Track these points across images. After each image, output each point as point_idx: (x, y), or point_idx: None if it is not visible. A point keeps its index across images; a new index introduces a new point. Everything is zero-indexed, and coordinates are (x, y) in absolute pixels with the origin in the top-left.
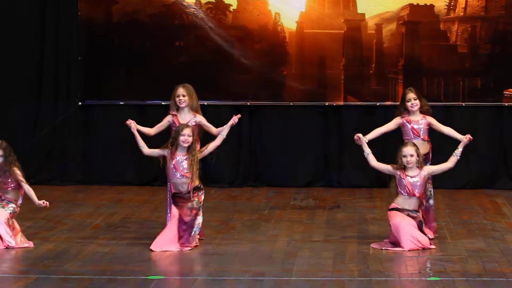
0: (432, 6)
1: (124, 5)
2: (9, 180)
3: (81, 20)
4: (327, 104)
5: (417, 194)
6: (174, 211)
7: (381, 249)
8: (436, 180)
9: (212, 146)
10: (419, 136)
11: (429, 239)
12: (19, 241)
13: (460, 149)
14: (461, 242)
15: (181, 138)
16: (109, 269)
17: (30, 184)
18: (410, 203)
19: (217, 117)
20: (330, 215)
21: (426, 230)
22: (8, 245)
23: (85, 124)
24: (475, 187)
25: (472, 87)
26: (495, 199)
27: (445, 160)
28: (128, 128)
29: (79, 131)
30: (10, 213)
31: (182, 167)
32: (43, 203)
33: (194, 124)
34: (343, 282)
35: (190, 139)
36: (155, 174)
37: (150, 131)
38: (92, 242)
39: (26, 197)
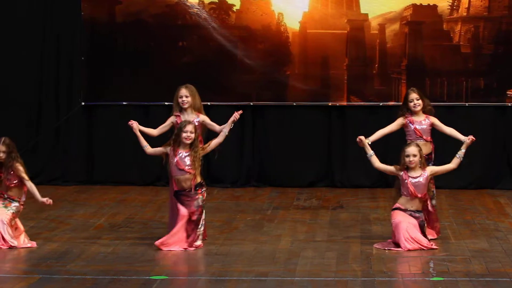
0: (435, 6)
1: (127, 5)
2: (12, 177)
3: (84, 20)
4: (330, 104)
5: (419, 195)
6: (184, 211)
7: (384, 249)
8: (439, 180)
9: (214, 143)
10: (421, 136)
11: (431, 239)
12: (22, 242)
13: (462, 150)
14: (464, 242)
15: (183, 134)
16: (112, 269)
17: (33, 184)
18: (413, 204)
19: (220, 117)
20: (333, 215)
21: (429, 230)
22: (11, 245)
23: (88, 125)
24: (478, 187)
25: (475, 87)
26: (498, 199)
27: (448, 161)
28: (131, 129)
29: (82, 131)
30: (13, 212)
31: (185, 163)
32: (47, 200)
33: (197, 123)
34: (346, 282)
35: (193, 135)
36: (158, 174)
37: (153, 132)
38: (95, 242)
39: (29, 196)
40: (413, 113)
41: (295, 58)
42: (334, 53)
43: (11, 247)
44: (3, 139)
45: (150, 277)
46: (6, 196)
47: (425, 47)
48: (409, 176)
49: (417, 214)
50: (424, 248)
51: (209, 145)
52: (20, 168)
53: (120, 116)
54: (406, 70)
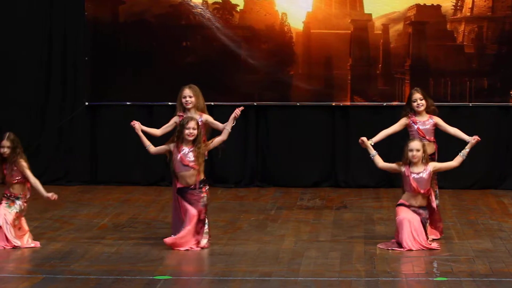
0: (439, 6)
1: (131, 5)
2: (15, 173)
3: (87, 20)
4: (334, 104)
5: (422, 191)
6: (194, 211)
7: (388, 249)
8: (443, 180)
9: (217, 140)
10: (424, 137)
11: (434, 239)
12: (26, 242)
13: (467, 150)
14: (468, 243)
15: (186, 131)
16: (116, 269)
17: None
18: (416, 200)
19: (223, 117)
20: (337, 215)
21: (432, 230)
22: (14, 245)
23: (92, 125)
24: (482, 187)
25: (479, 87)
26: (502, 199)
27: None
28: (134, 129)
29: (85, 131)
30: (16, 212)
31: (189, 159)
32: (52, 196)
33: (200, 123)
34: (350, 282)
35: (195, 132)
36: (162, 174)
37: (157, 132)
38: (98, 242)
39: (33, 197)
40: (417, 113)
41: (298, 58)
42: (337, 53)
43: (15, 247)
44: (7, 134)
45: (154, 277)
46: (9, 194)
47: (429, 47)
48: (412, 172)
49: (420, 211)
50: (424, 248)
51: (212, 142)
52: (24, 163)
53: (124, 116)
54: (410, 70)
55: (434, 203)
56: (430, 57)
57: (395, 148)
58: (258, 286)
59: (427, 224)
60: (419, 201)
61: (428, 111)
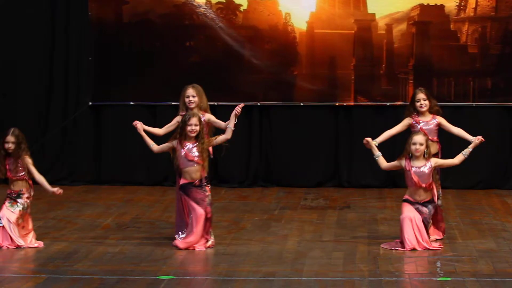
0: (442, 6)
1: (135, 5)
2: (19, 169)
3: (91, 20)
4: (337, 104)
5: (423, 185)
6: (201, 211)
7: (391, 249)
8: (447, 180)
9: (221, 138)
10: (427, 137)
11: (437, 239)
12: (29, 241)
13: (470, 149)
14: (472, 243)
15: (188, 128)
16: (120, 269)
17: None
18: (419, 194)
19: (227, 117)
20: (341, 215)
21: (435, 231)
22: (18, 245)
23: (95, 124)
24: (485, 187)
25: (482, 87)
26: (505, 199)
27: None
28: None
29: (89, 131)
30: (20, 210)
31: (193, 154)
32: (57, 190)
33: (203, 123)
34: (353, 282)
35: (197, 128)
36: (166, 174)
37: (159, 131)
38: (102, 242)
39: (36, 197)
40: (420, 113)
41: (302, 58)
42: (341, 53)
43: (18, 247)
44: (12, 130)
45: (157, 277)
46: (11, 193)
47: (432, 47)
48: (412, 166)
49: (424, 209)
50: (426, 249)
51: (216, 138)
52: (29, 160)
53: (127, 116)
54: (413, 70)
55: (436, 197)
56: (434, 57)
57: (398, 148)
58: (261, 286)
59: (430, 224)
60: (422, 196)
61: (432, 111)
